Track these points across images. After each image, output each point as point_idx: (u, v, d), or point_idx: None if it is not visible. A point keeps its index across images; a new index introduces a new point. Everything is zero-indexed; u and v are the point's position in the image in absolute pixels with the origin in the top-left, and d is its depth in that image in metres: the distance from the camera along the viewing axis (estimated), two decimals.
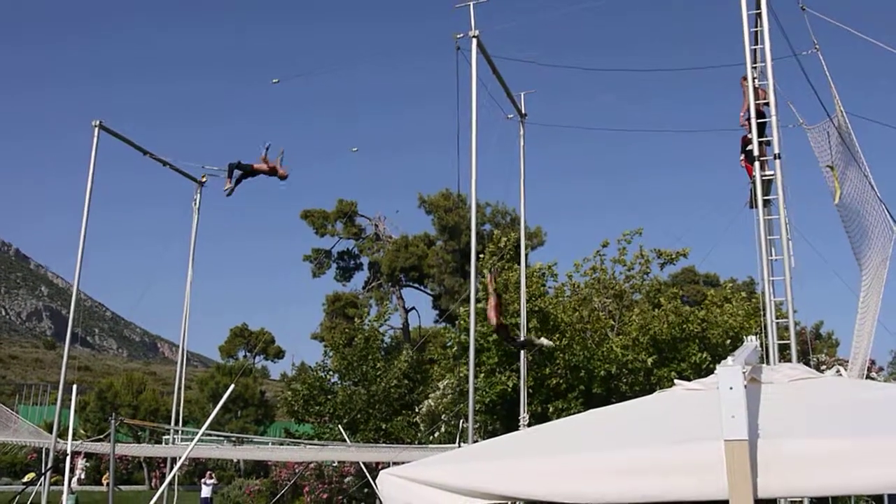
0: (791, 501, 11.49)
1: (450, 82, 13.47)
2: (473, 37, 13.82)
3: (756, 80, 12.36)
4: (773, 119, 12.24)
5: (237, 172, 16.40)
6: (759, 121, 12.31)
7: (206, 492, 31.23)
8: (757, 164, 12.23)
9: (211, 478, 32.28)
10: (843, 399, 4.31)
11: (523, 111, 17.09)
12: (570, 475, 3.80)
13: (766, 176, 12.31)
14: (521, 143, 17.23)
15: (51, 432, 22.07)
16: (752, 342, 5.30)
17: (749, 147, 12.67)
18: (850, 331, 11.25)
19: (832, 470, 3.37)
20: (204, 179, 20.15)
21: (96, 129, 17.16)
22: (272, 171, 16.38)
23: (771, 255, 12.03)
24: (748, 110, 12.56)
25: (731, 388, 3.37)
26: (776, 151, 12.09)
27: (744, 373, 3.51)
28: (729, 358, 3.64)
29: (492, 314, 14.79)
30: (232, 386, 15.45)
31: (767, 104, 12.26)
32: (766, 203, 12.29)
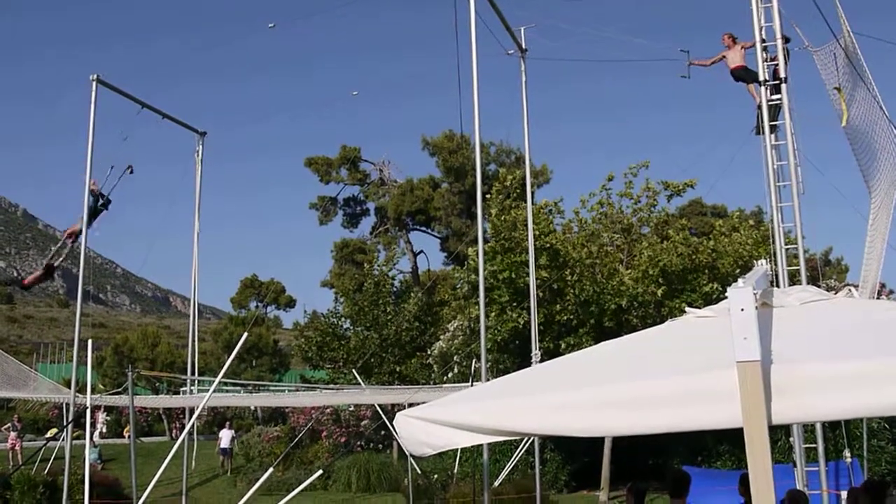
0: (804, 426, 11.63)
1: (449, 23, 13.19)
2: None
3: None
4: (779, 42, 12.05)
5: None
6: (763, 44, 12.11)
7: (225, 440, 31.77)
8: (763, 88, 12.05)
9: (230, 427, 32.78)
10: (856, 320, 4.29)
11: (524, 46, 16.80)
12: (583, 409, 3.81)
13: (772, 101, 12.15)
14: (523, 79, 16.98)
15: (70, 388, 22.39)
16: (762, 266, 5.27)
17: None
18: (860, 257, 11.22)
19: (846, 393, 3.35)
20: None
21: (94, 84, 17.00)
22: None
23: (779, 182, 11.94)
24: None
25: (742, 310, 3.35)
26: (783, 75, 11.93)
27: (755, 294, 3.49)
28: (740, 280, 3.62)
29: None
30: (245, 334, 15.56)
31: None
32: (773, 129, 12.16)
